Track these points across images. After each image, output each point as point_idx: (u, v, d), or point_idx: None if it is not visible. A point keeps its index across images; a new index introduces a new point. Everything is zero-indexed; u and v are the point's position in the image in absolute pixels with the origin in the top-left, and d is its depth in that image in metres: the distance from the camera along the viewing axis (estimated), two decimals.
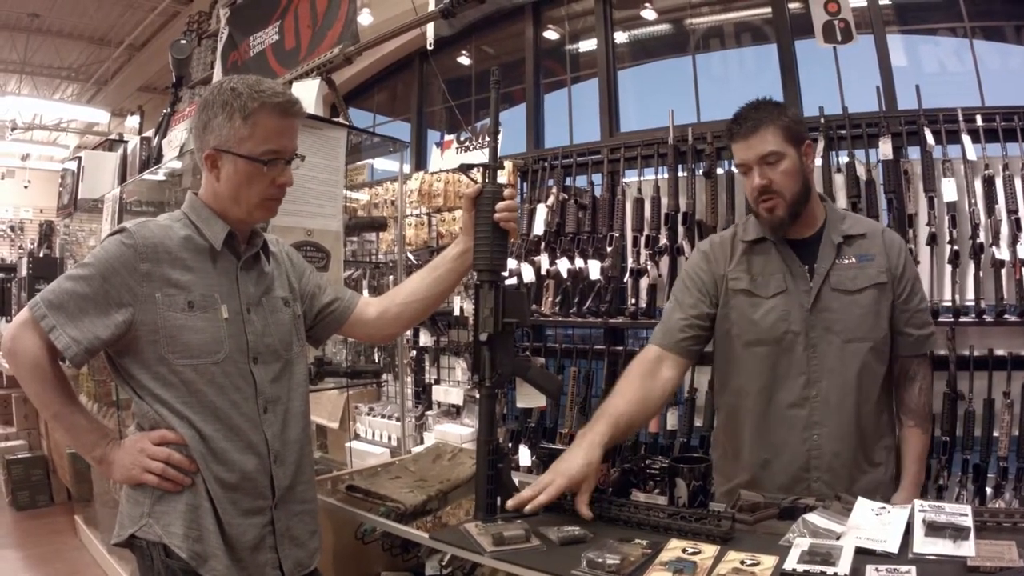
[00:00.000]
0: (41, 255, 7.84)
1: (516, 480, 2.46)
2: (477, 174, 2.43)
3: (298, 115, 2.25)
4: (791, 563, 1.76)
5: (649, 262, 4.43)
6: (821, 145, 4.01)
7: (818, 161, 4.02)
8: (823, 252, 2.57)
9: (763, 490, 2.52)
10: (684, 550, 1.92)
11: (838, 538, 1.89)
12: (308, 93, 3.86)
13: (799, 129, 2.56)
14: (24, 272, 7.04)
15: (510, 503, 2.22)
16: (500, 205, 2.32)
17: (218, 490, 2.10)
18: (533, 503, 2.18)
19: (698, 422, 4.27)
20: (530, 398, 2.41)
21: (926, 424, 2.66)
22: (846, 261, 2.56)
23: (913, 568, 1.71)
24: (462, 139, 5.34)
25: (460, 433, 4.93)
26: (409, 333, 5.58)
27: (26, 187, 17.03)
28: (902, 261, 2.58)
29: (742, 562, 1.81)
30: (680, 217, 4.36)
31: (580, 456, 2.29)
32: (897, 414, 2.69)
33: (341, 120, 3.74)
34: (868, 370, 2.54)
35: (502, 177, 4.77)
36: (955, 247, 3.66)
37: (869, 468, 2.57)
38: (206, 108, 2.17)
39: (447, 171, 5.63)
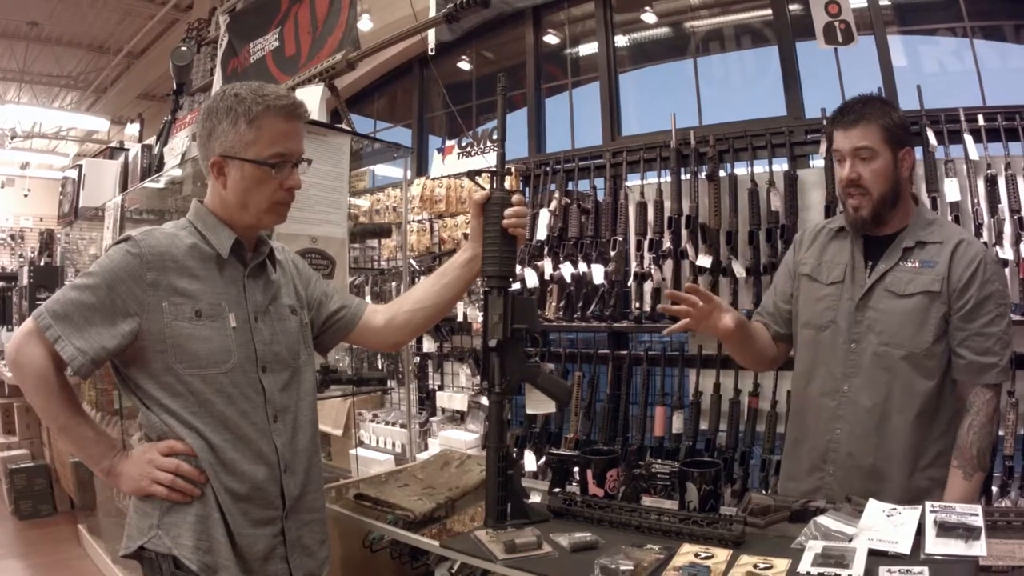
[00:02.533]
0: (42, 264, 7.84)
1: (524, 486, 2.46)
2: (483, 180, 2.43)
3: (303, 118, 2.24)
4: (804, 566, 1.76)
5: (653, 266, 4.43)
6: (823, 146, 4.00)
7: (820, 162, 4.03)
8: (890, 252, 2.56)
9: (793, 466, 2.69)
10: (697, 555, 1.92)
11: (850, 540, 1.90)
12: (311, 99, 3.85)
13: (900, 133, 2.54)
14: (25, 281, 7.03)
15: None
16: (509, 211, 2.32)
17: (228, 500, 2.09)
18: None
19: (703, 425, 4.26)
20: (539, 404, 2.40)
21: (970, 468, 2.41)
22: (909, 264, 2.52)
23: (926, 569, 1.72)
24: (463, 144, 5.33)
25: (464, 439, 4.93)
26: (413, 339, 5.57)
27: (26, 195, 17.01)
28: (968, 273, 2.44)
29: (755, 566, 1.81)
30: (683, 221, 4.35)
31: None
32: None
33: (345, 126, 3.74)
34: (902, 380, 2.49)
35: (506, 182, 4.79)
36: None
37: (890, 484, 2.49)
38: (210, 115, 2.16)
39: (449, 176, 5.62)
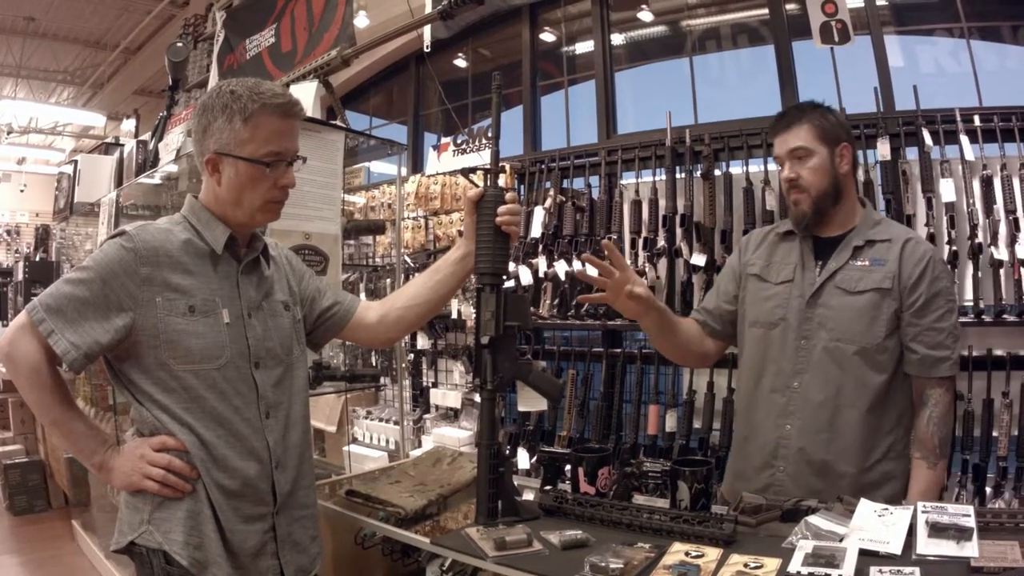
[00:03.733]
0: (37, 259, 7.81)
1: (515, 484, 2.46)
2: (477, 177, 2.43)
3: (298, 116, 2.24)
4: (795, 566, 1.76)
5: (647, 264, 4.42)
6: None
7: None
8: (839, 251, 2.62)
9: (740, 463, 2.71)
10: (687, 553, 1.92)
11: (841, 540, 1.90)
12: (306, 96, 3.86)
13: (834, 130, 2.62)
14: (20, 276, 7.02)
15: None
16: (502, 209, 2.32)
17: (219, 496, 2.09)
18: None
19: (697, 424, 4.26)
20: (531, 401, 2.41)
21: (933, 457, 2.48)
22: (859, 263, 2.58)
23: (917, 569, 1.72)
24: (459, 142, 5.33)
25: (458, 436, 4.93)
26: (406, 336, 5.57)
27: (22, 191, 16.99)
28: (918, 271, 2.51)
29: (745, 565, 1.81)
30: (678, 219, 4.35)
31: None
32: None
33: (339, 123, 3.73)
34: (853, 376, 2.53)
35: (500, 180, 4.78)
36: (954, 247, 3.65)
37: (842, 479, 2.53)
38: (205, 112, 2.16)
39: (444, 174, 5.62)
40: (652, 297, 2.62)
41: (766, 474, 2.61)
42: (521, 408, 2.39)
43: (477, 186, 2.40)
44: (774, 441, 2.62)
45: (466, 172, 2.50)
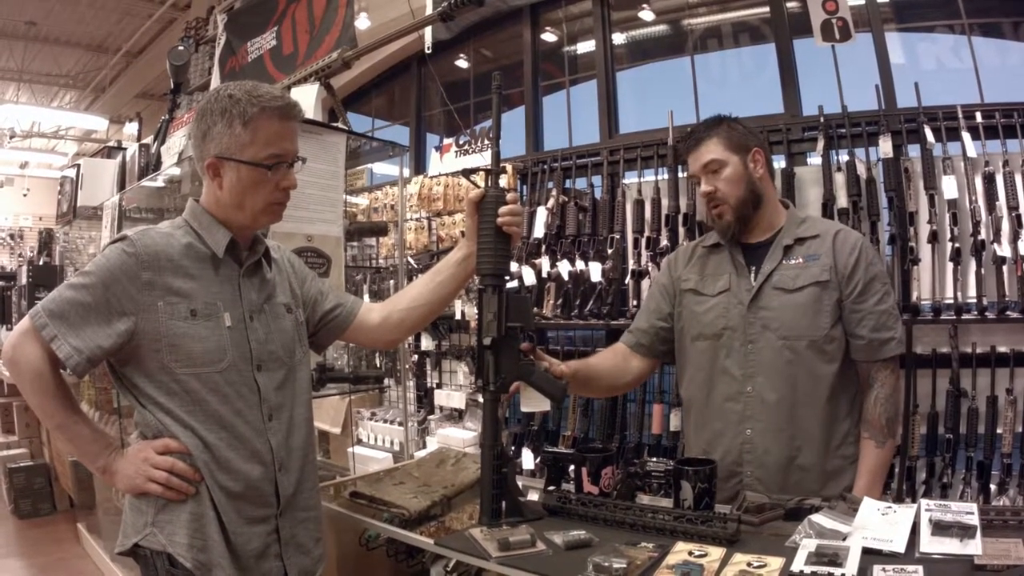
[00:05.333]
0: (41, 263, 7.82)
1: (520, 484, 2.46)
2: (478, 178, 2.43)
3: (297, 117, 2.24)
4: (798, 564, 1.76)
5: (650, 263, 4.43)
6: (821, 144, 4.01)
7: (818, 160, 4.03)
8: (771, 253, 2.66)
9: None
10: (691, 553, 1.91)
11: (844, 538, 1.89)
12: (307, 98, 3.85)
13: (742, 139, 2.68)
14: (24, 280, 7.02)
15: None
16: (503, 209, 2.32)
17: (223, 499, 2.09)
18: None
19: None
20: (534, 402, 2.40)
21: (881, 436, 2.56)
22: (793, 262, 2.63)
23: (920, 568, 1.71)
24: (461, 142, 5.33)
25: (462, 437, 4.92)
26: (410, 338, 5.57)
27: (25, 195, 17.01)
28: (853, 259, 2.57)
29: (749, 564, 1.81)
30: (680, 218, 4.36)
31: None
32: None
33: (340, 125, 3.73)
34: (806, 369, 2.57)
35: (502, 181, 4.77)
36: (956, 244, 3.65)
37: (809, 472, 2.58)
38: (204, 116, 2.16)
39: (446, 175, 5.62)
40: (557, 371, 2.58)
41: (733, 482, 2.63)
42: (524, 409, 2.38)
43: (478, 187, 2.40)
44: (737, 448, 2.64)
45: (467, 173, 2.49)
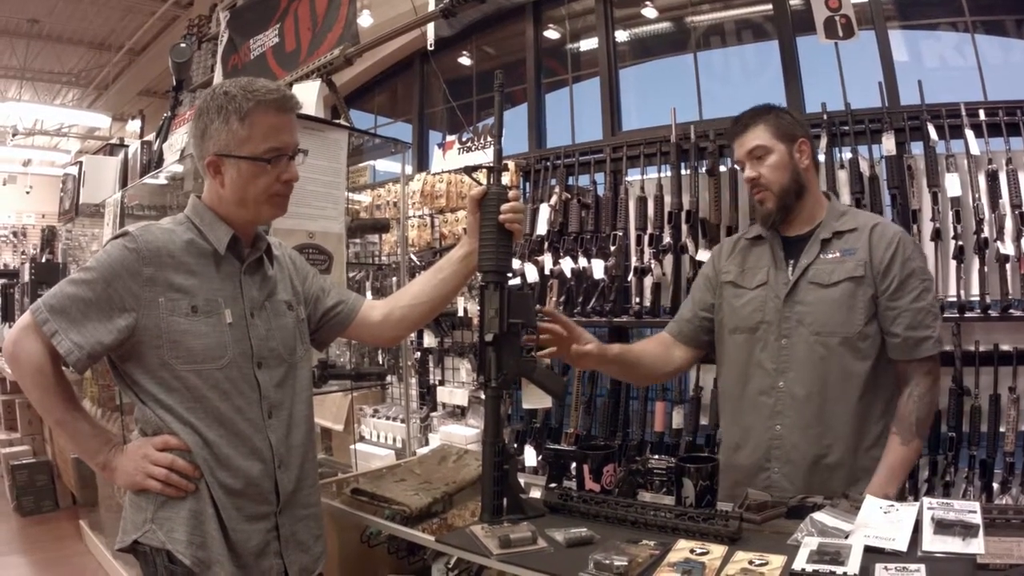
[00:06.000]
0: (43, 260, 7.83)
1: (521, 481, 2.46)
2: (481, 175, 2.42)
3: (295, 109, 2.24)
4: (800, 563, 1.76)
5: (653, 261, 4.42)
6: (824, 141, 4.00)
7: (821, 157, 4.01)
8: (809, 247, 2.64)
9: (734, 474, 2.66)
10: (692, 551, 1.91)
11: (846, 537, 1.89)
12: (308, 95, 3.85)
13: (790, 128, 2.66)
14: (27, 277, 7.03)
15: None
16: (505, 207, 2.32)
17: (222, 496, 2.10)
18: None
19: (704, 420, 4.26)
20: (536, 399, 2.40)
21: (908, 434, 2.48)
22: (830, 256, 2.60)
23: (923, 566, 1.71)
24: (464, 139, 5.33)
25: (465, 434, 4.91)
26: (413, 335, 5.57)
27: (28, 192, 17.02)
28: (889, 255, 2.53)
29: (750, 562, 1.81)
30: (683, 215, 4.34)
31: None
32: None
33: (342, 121, 3.73)
34: (838, 366, 2.54)
35: (505, 178, 4.76)
36: (959, 242, 3.64)
37: (837, 471, 2.54)
38: (202, 115, 2.16)
39: (449, 172, 5.62)
40: (603, 349, 2.62)
41: (761, 477, 2.61)
42: (526, 406, 2.39)
43: (480, 184, 2.40)
44: (766, 443, 2.62)
45: (469, 170, 2.48)
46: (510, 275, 2.37)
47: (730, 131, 2.78)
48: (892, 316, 2.51)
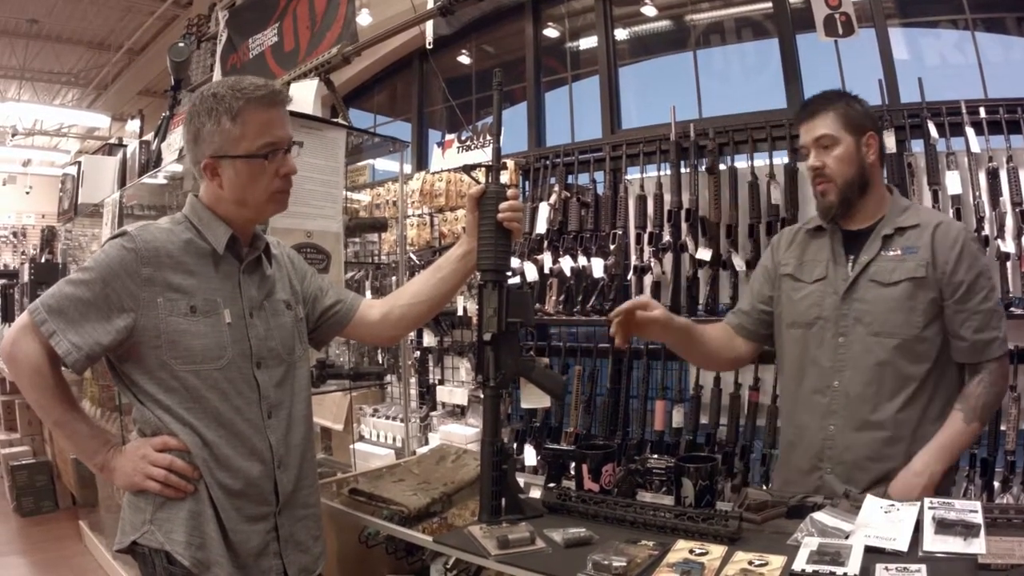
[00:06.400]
0: (43, 261, 7.82)
1: (521, 481, 2.45)
2: (479, 174, 2.42)
3: (285, 103, 2.24)
4: (800, 563, 1.75)
5: (652, 259, 4.40)
6: None
7: None
8: (870, 243, 2.56)
9: (786, 472, 2.65)
10: (691, 551, 1.91)
11: (847, 537, 1.88)
12: (306, 93, 3.85)
13: (860, 119, 2.57)
14: (26, 278, 7.03)
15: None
16: (504, 205, 2.31)
17: (221, 497, 2.09)
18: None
19: (704, 419, 4.24)
20: (534, 398, 2.40)
21: (971, 414, 2.41)
22: (891, 253, 2.52)
23: (923, 567, 1.70)
24: (463, 138, 5.32)
25: (465, 433, 4.90)
26: (413, 333, 5.56)
27: (28, 193, 17.05)
28: (954, 255, 2.44)
29: (750, 562, 1.80)
30: (683, 214, 4.33)
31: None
32: None
33: (340, 120, 3.72)
34: (892, 368, 2.47)
35: (504, 177, 4.75)
36: None
37: (889, 474, 2.45)
38: (193, 119, 2.16)
39: (449, 171, 5.61)
40: (668, 317, 2.58)
41: (814, 476, 2.57)
42: (524, 405, 2.38)
43: (479, 183, 2.39)
44: (820, 443, 2.57)
45: (468, 169, 2.48)
46: (509, 274, 2.36)
47: (798, 114, 2.69)
48: (961, 320, 2.45)
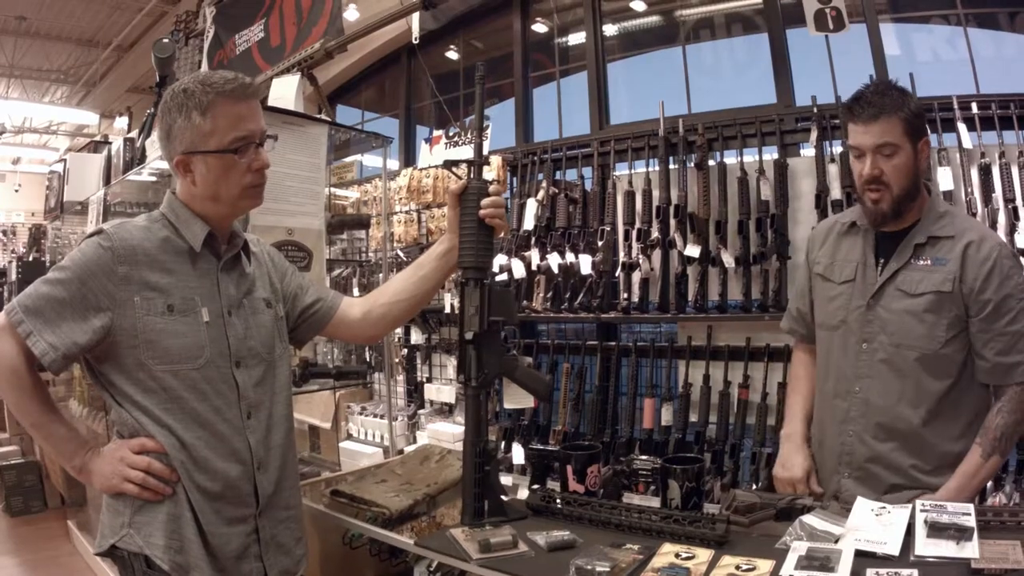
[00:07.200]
0: (31, 259, 7.78)
1: (508, 481, 2.43)
2: (462, 170, 2.39)
3: (256, 96, 2.21)
4: (788, 568, 1.72)
5: (641, 256, 4.37)
6: (814, 135, 3.96)
7: (811, 151, 3.99)
8: (901, 249, 2.47)
9: (823, 470, 2.60)
10: (677, 555, 1.88)
11: (836, 541, 1.86)
12: (287, 89, 3.82)
13: (920, 124, 2.43)
14: (14, 276, 6.99)
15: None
16: (486, 201, 2.29)
17: (200, 499, 2.06)
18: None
19: (693, 417, 4.22)
20: (518, 398, 2.38)
21: (990, 447, 2.31)
22: (921, 262, 2.43)
23: (915, 571, 1.69)
24: (451, 134, 5.29)
25: (452, 431, 4.88)
26: (400, 331, 5.55)
27: (17, 191, 17.04)
28: (984, 272, 2.34)
29: (737, 567, 1.78)
30: (672, 210, 4.30)
31: (800, 457, 2.62)
32: None
33: (322, 116, 3.69)
34: (913, 381, 2.41)
35: (491, 172, 4.72)
36: None
37: (908, 487, 2.40)
38: (164, 116, 2.14)
39: (436, 167, 5.57)
40: (805, 438, 2.66)
41: (835, 480, 2.54)
42: (507, 405, 2.37)
43: (461, 178, 2.36)
44: (838, 447, 2.54)
45: (449, 164, 2.45)
46: (496, 270, 2.33)
47: (854, 110, 2.45)
48: (984, 340, 2.36)
